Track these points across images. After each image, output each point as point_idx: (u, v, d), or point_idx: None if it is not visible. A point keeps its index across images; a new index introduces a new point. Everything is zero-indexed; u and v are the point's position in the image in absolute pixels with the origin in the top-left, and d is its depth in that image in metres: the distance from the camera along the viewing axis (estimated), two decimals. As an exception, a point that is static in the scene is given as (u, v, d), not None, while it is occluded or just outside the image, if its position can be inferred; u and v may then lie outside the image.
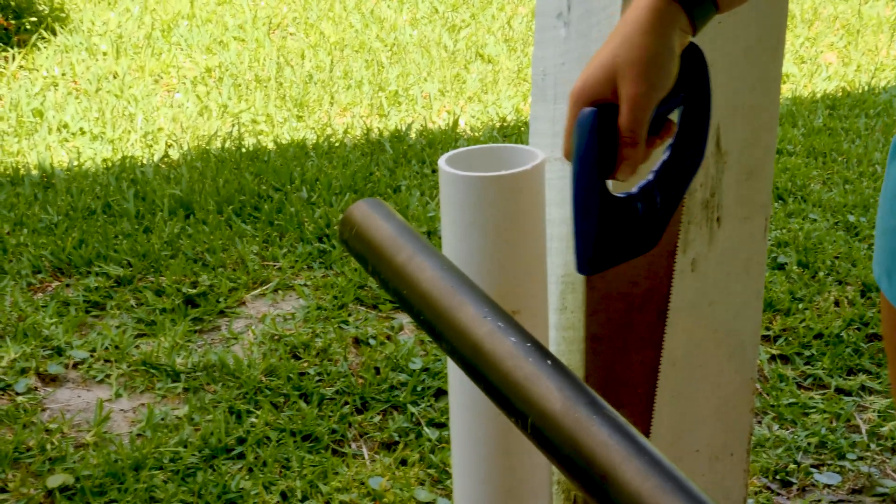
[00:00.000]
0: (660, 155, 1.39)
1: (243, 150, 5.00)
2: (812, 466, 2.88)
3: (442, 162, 1.76)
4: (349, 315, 3.56)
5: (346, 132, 5.25)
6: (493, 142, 5.00)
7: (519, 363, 1.09)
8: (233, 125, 5.30)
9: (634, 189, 1.37)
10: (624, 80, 1.32)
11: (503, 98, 5.70)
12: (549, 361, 1.08)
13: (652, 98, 1.32)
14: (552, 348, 2.09)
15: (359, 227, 1.29)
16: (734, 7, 1.40)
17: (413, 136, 5.13)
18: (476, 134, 5.17)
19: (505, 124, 5.33)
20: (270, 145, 5.09)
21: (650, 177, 1.37)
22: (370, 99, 5.62)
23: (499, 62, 6.22)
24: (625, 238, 1.36)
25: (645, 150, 1.34)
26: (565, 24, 2.22)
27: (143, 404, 3.10)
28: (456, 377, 1.57)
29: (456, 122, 5.29)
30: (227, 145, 5.04)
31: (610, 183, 1.35)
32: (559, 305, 2.11)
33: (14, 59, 5.86)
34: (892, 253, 1.55)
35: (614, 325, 2.03)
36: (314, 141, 5.14)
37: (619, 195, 1.35)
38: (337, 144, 5.07)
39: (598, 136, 1.33)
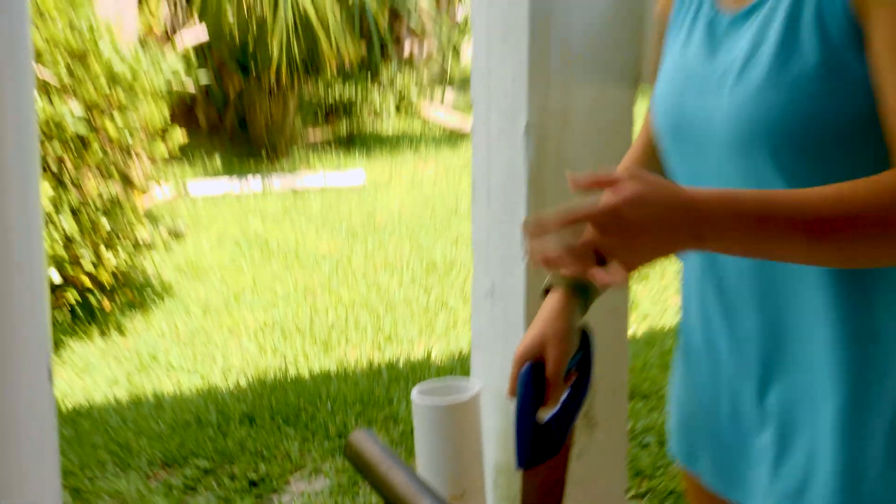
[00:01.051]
0: (563, 392, 1.46)
1: (288, 377, 5.06)
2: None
3: (414, 393, 1.84)
4: (360, 490, 3.58)
5: (356, 363, 5.31)
6: (454, 367, 5.06)
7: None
8: (281, 361, 5.35)
9: (549, 415, 1.43)
10: (549, 347, 1.40)
11: (461, 336, 5.78)
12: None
13: (567, 357, 1.41)
14: (489, 515, 2.13)
15: (356, 448, 1.36)
16: (600, 294, 1.51)
17: (401, 365, 5.19)
18: (443, 362, 5.24)
19: (462, 356, 5.38)
20: (306, 374, 5.14)
21: (558, 406, 1.44)
22: (372, 339, 5.70)
23: (458, 311, 6.32)
24: (545, 445, 1.41)
25: (560, 390, 1.42)
26: (493, 299, 2.31)
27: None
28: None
29: (429, 355, 5.37)
30: (277, 375, 5.10)
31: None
32: (493, 486, 2.15)
33: (136, 319, 5.95)
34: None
35: None
36: (335, 370, 5.19)
37: (545, 420, 1.42)
38: (350, 372, 5.13)
39: (533, 384, 1.41)
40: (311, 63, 9.29)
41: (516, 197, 2.12)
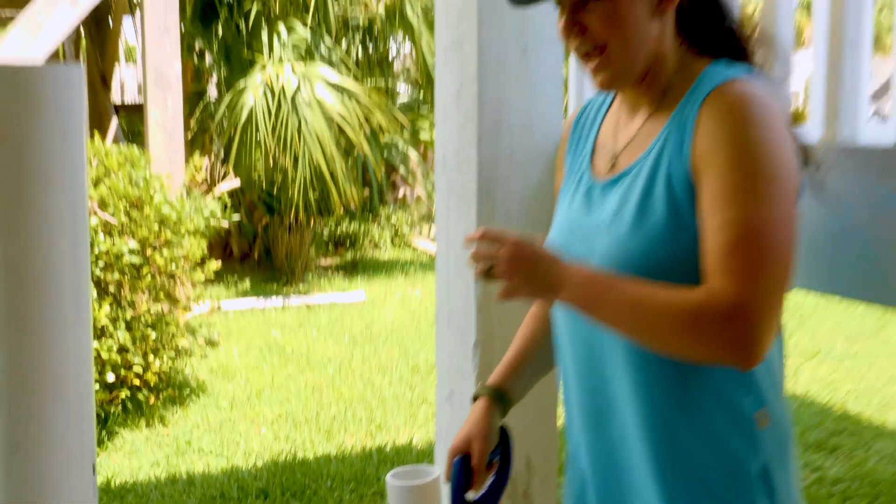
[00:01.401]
0: (488, 479, 1.51)
1: (297, 459, 5.02)
2: None
3: (388, 477, 1.87)
4: (351, 554, 3.54)
5: (352, 448, 5.28)
6: (432, 451, 5.04)
7: None
8: (292, 446, 5.32)
9: (477, 496, 1.48)
10: (475, 443, 1.48)
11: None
12: None
13: (489, 451, 1.47)
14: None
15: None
16: (517, 402, 1.56)
17: (388, 449, 5.18)
18: (422, 447, 5.21)
19: (438, 440, 5.34)
20: (311, 456, 5.11)
21: (484, 490, 1.49)
22: (366, 429, 5.67)
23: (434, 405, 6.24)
24: None
25: (484, 476, 1.47)
26: (451, 402, 2.36)
27: None
28: None
29: (412, 441, 5.34)
30: (288, 457, 5.06)
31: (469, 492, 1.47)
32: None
33: (176, 412, 5.92)
34: None
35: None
36: (335, 453, 5.16)
37: (472, 499, 1.47)
38: (347, 455, 5.10)
39: (463, 471, 1.46)
40: (323, 205, 9.46)
41: (468, 324, 2.20)
